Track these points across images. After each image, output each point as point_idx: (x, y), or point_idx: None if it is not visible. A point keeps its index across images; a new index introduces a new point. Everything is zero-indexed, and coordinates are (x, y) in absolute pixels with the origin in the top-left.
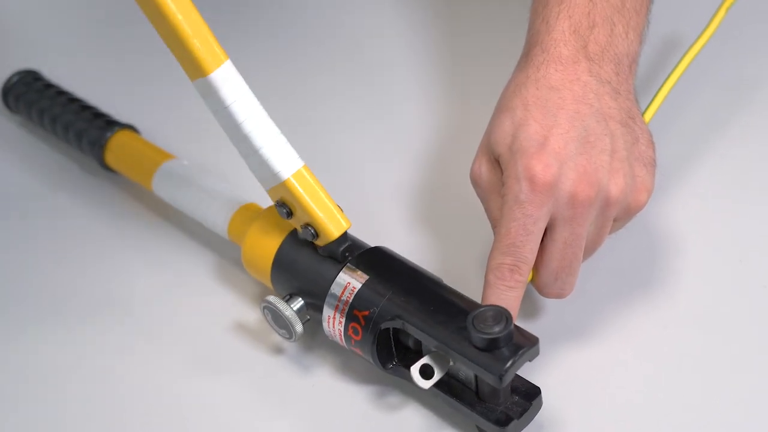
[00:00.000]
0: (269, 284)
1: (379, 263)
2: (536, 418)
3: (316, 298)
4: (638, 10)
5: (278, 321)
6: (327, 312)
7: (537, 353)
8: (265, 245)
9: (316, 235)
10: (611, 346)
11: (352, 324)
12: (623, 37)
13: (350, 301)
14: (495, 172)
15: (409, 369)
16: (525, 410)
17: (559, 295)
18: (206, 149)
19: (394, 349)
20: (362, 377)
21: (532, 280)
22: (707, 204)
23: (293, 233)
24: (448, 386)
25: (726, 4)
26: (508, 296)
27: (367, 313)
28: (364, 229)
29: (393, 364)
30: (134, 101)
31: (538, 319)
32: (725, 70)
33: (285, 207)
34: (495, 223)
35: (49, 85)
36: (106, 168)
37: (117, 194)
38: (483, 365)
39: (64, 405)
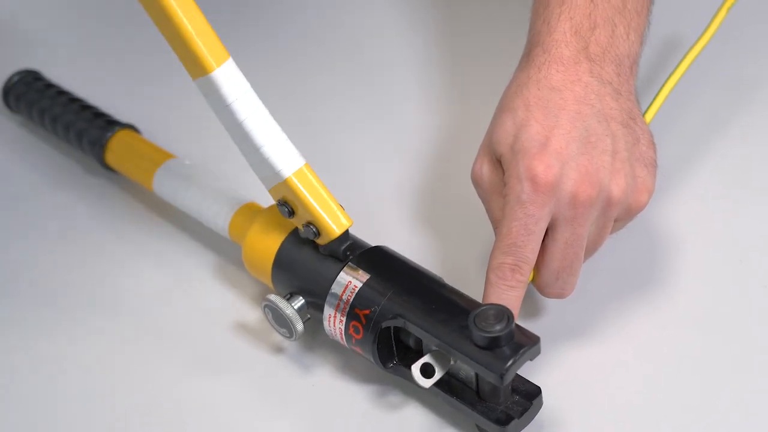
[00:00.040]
0: (270, 284)
1: (380, 262)
2: (536, 417)
3: (316, 297)
4: (639, 11)
5: (279, 320)
6: (328, 311)
7: (538, 352)
8: (266, 244)
9: (318, 233)
10: (611, 346)
11: (353, 323)
12: (624, 38)
13: (351, 300)
14: (496, 172)
15: (409, 368)
16: (525, 410)
17: (560, 295)
18: (206, 149)
19: (394, 349)
20: (363, 376)
21: (533, 280)
22: (707, 204)
23: (294, 232)
24: (449, 385)
25: (727, 5)
26: (509, 296)
27: (368, 311)
28: (365, 228)
29: (393, 363)
30: (134, 101)
31: (539, 318)
32: (726, 70)
33: (287, 206)
34: (496, 223)
35: (49, 85)
36: (107, 168)
37: (117, 194)
38: (484, 364)
39: (64, 405)
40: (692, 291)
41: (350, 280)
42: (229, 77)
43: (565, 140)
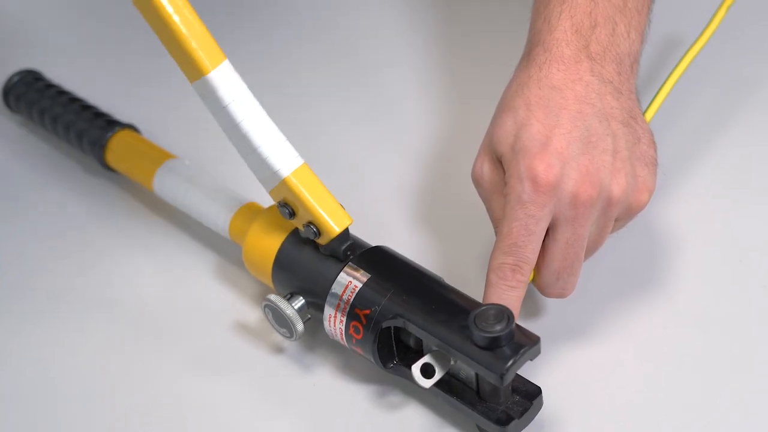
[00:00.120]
0: (270, 283)
1: (381, 262)
2: (537, 417)
3: (317, 297)
4: (640, 9)
5: (279, 320)
6: (328, 311)
7: (538, 352)
8: (266, 244)
9: (318, 233)
10: (611, 346)
11: (353, 323)
12: (625, 37)
13: (351, 300)
14: (497, 171)
15: (409, 368)
16: (526, 410)
17: (561, 295)
18: (206, 149)
19: (395, 349)
20: (363, 376)
21: (534, 280)
22: (708, 204)
23: (294, 232)
24: (449, 385)
25: (726, 4)
26: (509, 296)
27: (368, 311)
28: (365, 228)
29: (394, 364)
30: (134, 101)
31: (539, 318)
32: (726, 69)
33: (287, 207)
34: (497, 223)
35: (49, 85)
36: (107, 168)
37: (118, 194)
38: (484, 364)
39: (64, 404)
40: (692, 291)
41: (350, 280)
42: (226, 79)
43: (566, 140)
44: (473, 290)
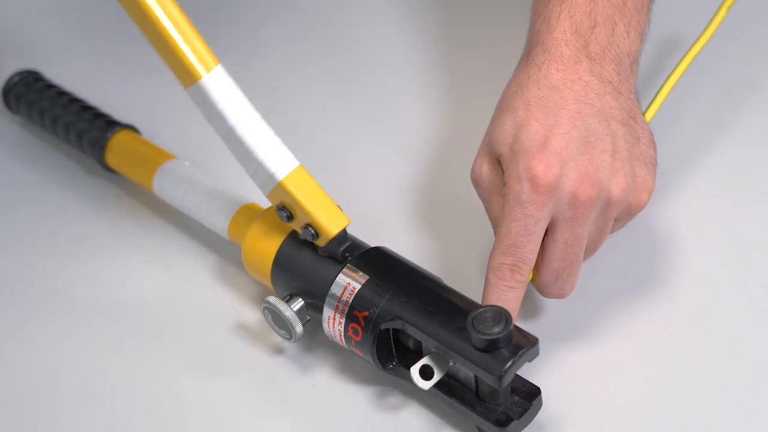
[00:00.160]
0: (269, 284)
1: (379, 264)
2: (536, 418)
3: (316, 298)
4: (639, 9)
5: (278, 322)
6: (327, 312)
7: (536, 354)
8: (266, 246)
9: (317, 235)
10: (611, 346)
11: (352, 324)
12: (624, 37)
13: (350, 301)
14: (496, 172)
15: (409, 369)
16: (525, 410)
17: (560, 296)
18: (206, 149)
19: (394, 350)
20: (362, 377)
21: (533, 280)
22: (708, 204)
23: (293, 234)
24: (448, 387)
25: (727, 3)
26: (508, 296)
27: (366, 313)
28: (364, 229)
29: (393, 365)
30: (134, 101)
31: (539, 319)
32: (726, 69)
33: (285, 210)
34: (496, 223)
35: (49, 86)
36: (107, 168)
37: (117, 194)
38: (482, 366)
39: (64, 405)
40: (692, 291)
41: (349, 282)
42: (217, 83)
43: (564, 140)
44: (472, 290)
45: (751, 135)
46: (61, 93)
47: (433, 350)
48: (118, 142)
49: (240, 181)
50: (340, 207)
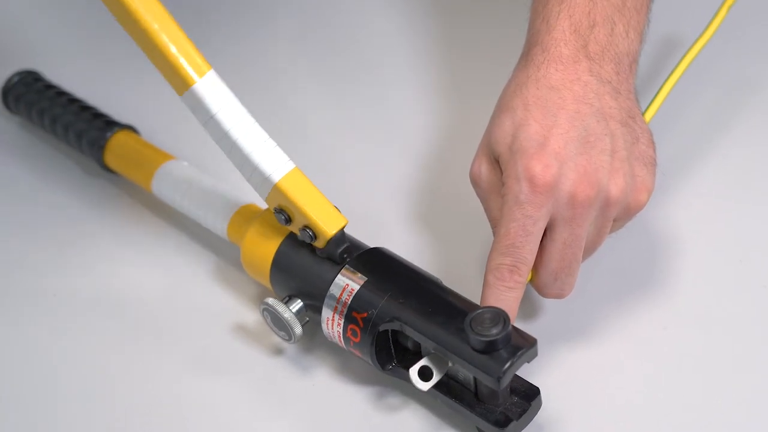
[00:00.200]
0: (268, 285)
1: (378, 264)
2: (536, 418)
3: (315, 299)
4: (639, 8)
5: (277, 323)
6: (326, 313)
7: (535, 354)
8: (264, 246)
9: (314, 236)
10: (611, 346)
11: (351, 326)
12: (624, 37)
13: (349, 302)
14: (495, 172)
15: (408, 370)
16: (524, 411)
17: (559, 296)
18: (206, 150)
19: (393, 351)
20: (361, 378)
21: (532, 281)
22: (708, 204)
23: (292, 235)
24: (447, 387)
25: (727, 3)
26: (507, 297)
27: (365, 314)
28: (363, 229)
29: (392, 366)
30: (134, 101)
31: (538, 319)
32: (726, 69)
33: (283, 213)
34: (494, 224)
35: (49, 86)
36: (106, 169)
37: (117, 195)
38: (481, 367)
39: (64, 405)
40: (692, 291)
41: (348, 283)
42: (211, 88)
43: (563, 140)
44: (472, 291)
45: (751, 135)
46: (61, 93)
47: (432, 351)
48: (117, 142)
49: (239, 182)
50: (337, 207)
